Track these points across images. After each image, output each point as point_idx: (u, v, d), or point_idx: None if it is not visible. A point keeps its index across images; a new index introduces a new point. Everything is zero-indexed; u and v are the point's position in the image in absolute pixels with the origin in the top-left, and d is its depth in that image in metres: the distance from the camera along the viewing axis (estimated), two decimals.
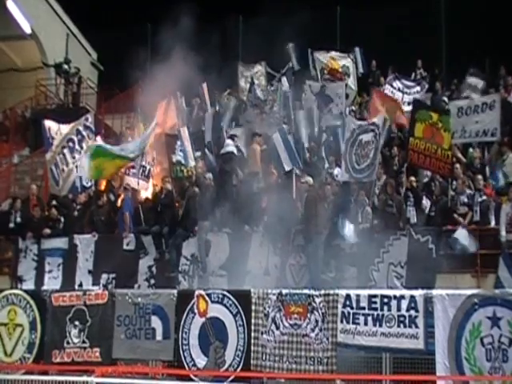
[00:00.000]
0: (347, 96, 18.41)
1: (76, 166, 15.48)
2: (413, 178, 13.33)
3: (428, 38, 21.15)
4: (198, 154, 15.45)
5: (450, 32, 21.42)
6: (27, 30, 22.82)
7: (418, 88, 17.74)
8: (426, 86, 18.03)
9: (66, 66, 22.30)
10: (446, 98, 16.98)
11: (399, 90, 17.64)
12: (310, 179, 13.42)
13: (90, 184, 15.49)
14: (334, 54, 19.83)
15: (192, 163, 14.86)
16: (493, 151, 14.09)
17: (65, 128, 15.80)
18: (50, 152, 15.67)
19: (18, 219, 15.12)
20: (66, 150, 15.56)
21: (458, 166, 13.63)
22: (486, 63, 18.24)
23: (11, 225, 15.04)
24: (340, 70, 19.54)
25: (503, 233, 11.85)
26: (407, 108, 17.08)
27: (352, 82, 19.42)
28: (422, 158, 13.05)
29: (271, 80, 19.33)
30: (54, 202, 15.42)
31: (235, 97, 18.97)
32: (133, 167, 15.16)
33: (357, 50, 19.92)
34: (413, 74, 19.00)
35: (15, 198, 15.67)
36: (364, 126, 13.71)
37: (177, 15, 18.08)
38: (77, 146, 15.61)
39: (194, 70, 17.19)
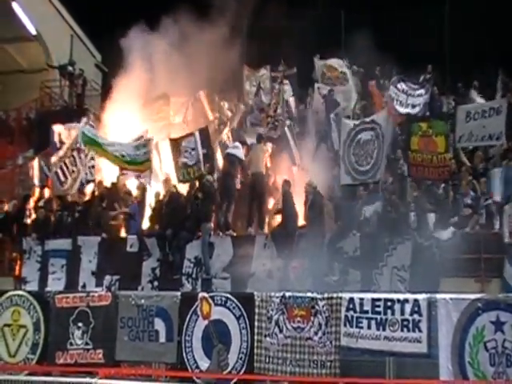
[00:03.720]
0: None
1: (83, 165, 15.60)
2: (414, 184, 13.37)
3: (433, 42, 21.15)
4: (204, 151, 15.37)
5: (453, 36, 21.42)
6: (32, 31, 22.90)
7: (423, 91, 17.73)
8: (430, 89, 17.99)
9: (70, 68, 22.37)
10: (452, 102, 17.02)
11: (403, 91, 17.62)
12: (313, 181, 13.44)
13: (91, 178, 15.61)
14: (330, 61, 19.80)
15: (202, 166, 14.90)
16: (497, 156, 14.11)
17: (74, 132, 15.94)
18: (55, 156, 15.79)
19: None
20: (75, 153, 15.73)
21: (463, 168, 13.69)
22: (490, 68, 18.21)
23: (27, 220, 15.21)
24: (339, 76, 19.55)
25: (507, 235, 11.83)
26: (412, 110, 17.21)
27: (352, 87, 19.41)
28: (420, 170, 13.32)
29: (274, 82, 19.34)
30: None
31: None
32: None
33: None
34: (421, 78, 18.89)
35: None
36: (361, 125, 13.72)
37: (180, 18, 18.16)
38: (83, 147, 15.75)
39: (198, 73, 17.28)
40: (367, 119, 13.91)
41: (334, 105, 17.62)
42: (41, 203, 15.66)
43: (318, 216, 12.77)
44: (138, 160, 14.60)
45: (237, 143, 15.07)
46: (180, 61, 17.27)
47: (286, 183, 13.60)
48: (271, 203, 14.86)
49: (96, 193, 15.43)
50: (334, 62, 19.63)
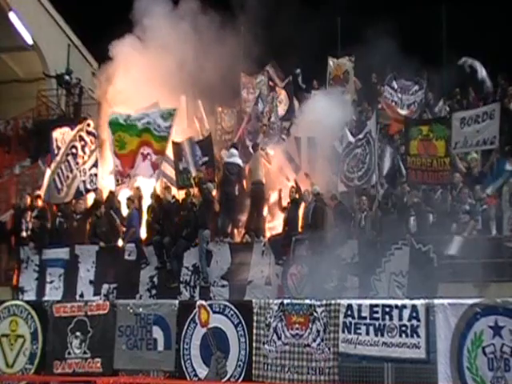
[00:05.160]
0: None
1: (79, 171, 15.56)
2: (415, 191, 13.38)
3: (432, 43, 21.13)
4: (206, 159, 15.27)
5: (451, 40, 21.43)
6: (29, 40, 22.93)
7: (417, 87, 17.70)
8: (424, 86, 17.95)
9: (67, 77, 22.34)
10: (448, 108, 17.03)
11: (397, 90, 17.63)
12: (316, 188, 13.45)
13: (94, 186, 15.51)
14: (340, 60, 19.70)
15: (194, 173, 14.88)
16: (491, 160, 14.14)
17: (68, 136, 15.93)
18: (53, 163, 15.78)
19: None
20: (69, 157, 15.68)
21: (457, 175, 13.71)
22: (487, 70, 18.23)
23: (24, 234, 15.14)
24: (341, 76, 19.48)
25: None
26: (408, 111, 17.21)
27: (350, 89, 19.31)
28: (419, 175, 13.35)
29: (272, 91, 19.33)
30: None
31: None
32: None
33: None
34: (416, 78, 18.80)
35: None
36: (357, 142, 13.79)
37: (178, 26, 18.18)
38: (80, 152, 15.63)
39: (195, 81, 17.27)
40: (361, 135, 13.98)
41: None
42: (35, 213, 15.56)
43: (319, 223, 12.77)
44: (162, 135, 14.70)
45: (233, 150, 15.01)
46: (176, 65, 17.26)
47: (296, 190, 13.60)
48: (271, 210, 14.84)
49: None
50: (342, 60, 19.56)
